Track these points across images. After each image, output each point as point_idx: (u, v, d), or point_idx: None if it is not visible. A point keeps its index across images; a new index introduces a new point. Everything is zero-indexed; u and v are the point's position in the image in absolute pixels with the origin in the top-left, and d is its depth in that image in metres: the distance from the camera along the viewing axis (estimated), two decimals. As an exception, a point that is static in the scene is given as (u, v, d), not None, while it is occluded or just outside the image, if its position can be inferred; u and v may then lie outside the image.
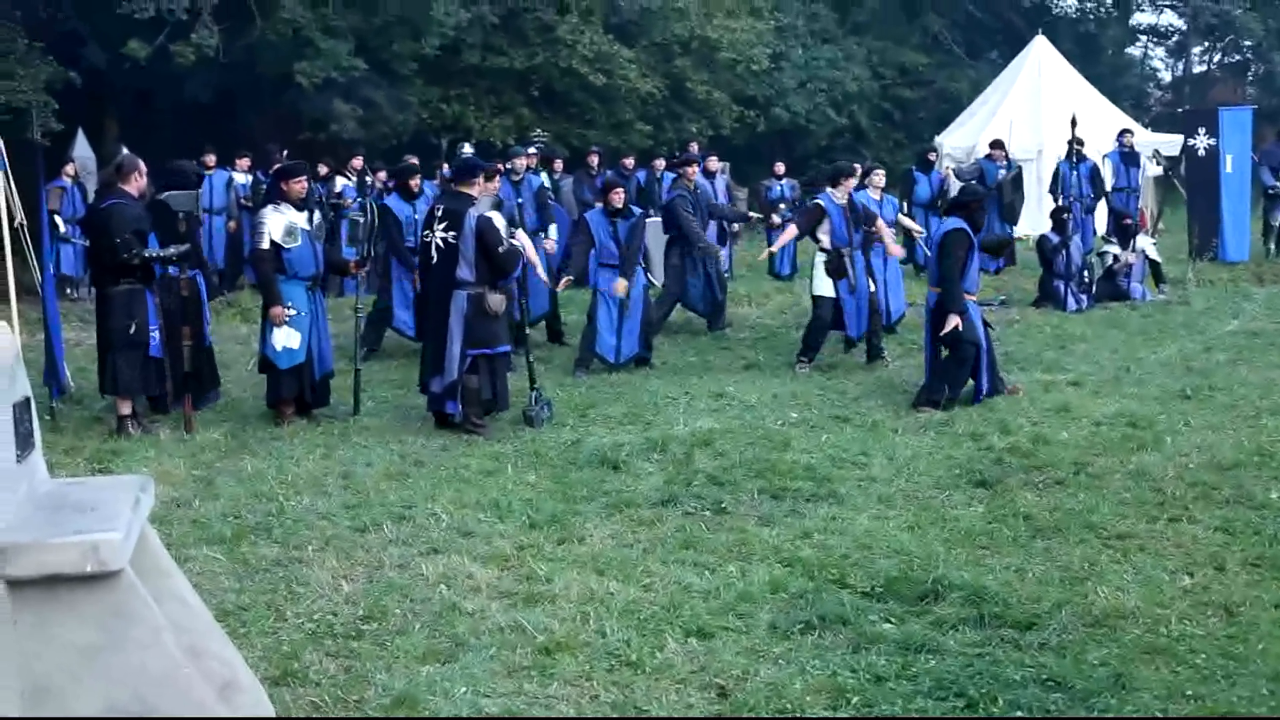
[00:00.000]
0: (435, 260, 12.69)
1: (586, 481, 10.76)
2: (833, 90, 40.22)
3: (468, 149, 23.75)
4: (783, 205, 25.14)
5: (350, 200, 21.72)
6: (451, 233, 12.54)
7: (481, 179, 13.02)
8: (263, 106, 31.18)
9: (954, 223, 13.97)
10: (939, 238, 14.05)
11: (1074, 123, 21.26)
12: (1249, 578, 8.24)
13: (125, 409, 12.86)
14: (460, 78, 32.46)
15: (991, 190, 23.08)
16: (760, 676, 6.75)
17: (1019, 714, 6.30)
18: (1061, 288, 20.63)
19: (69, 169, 23.83)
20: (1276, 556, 8.60)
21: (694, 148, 26.16)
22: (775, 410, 13.54)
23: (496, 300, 12.59)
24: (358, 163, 23.95)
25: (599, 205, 16.51)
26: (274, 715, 5.96)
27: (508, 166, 18.56)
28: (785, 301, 22.25)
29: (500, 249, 12.52)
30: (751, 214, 22.40)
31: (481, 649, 7.13)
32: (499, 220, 12.78)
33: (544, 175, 21.25)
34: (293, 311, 13.03)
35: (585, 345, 16.10)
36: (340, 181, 23.49)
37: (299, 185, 13.28)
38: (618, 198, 16.19)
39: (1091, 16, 47.68)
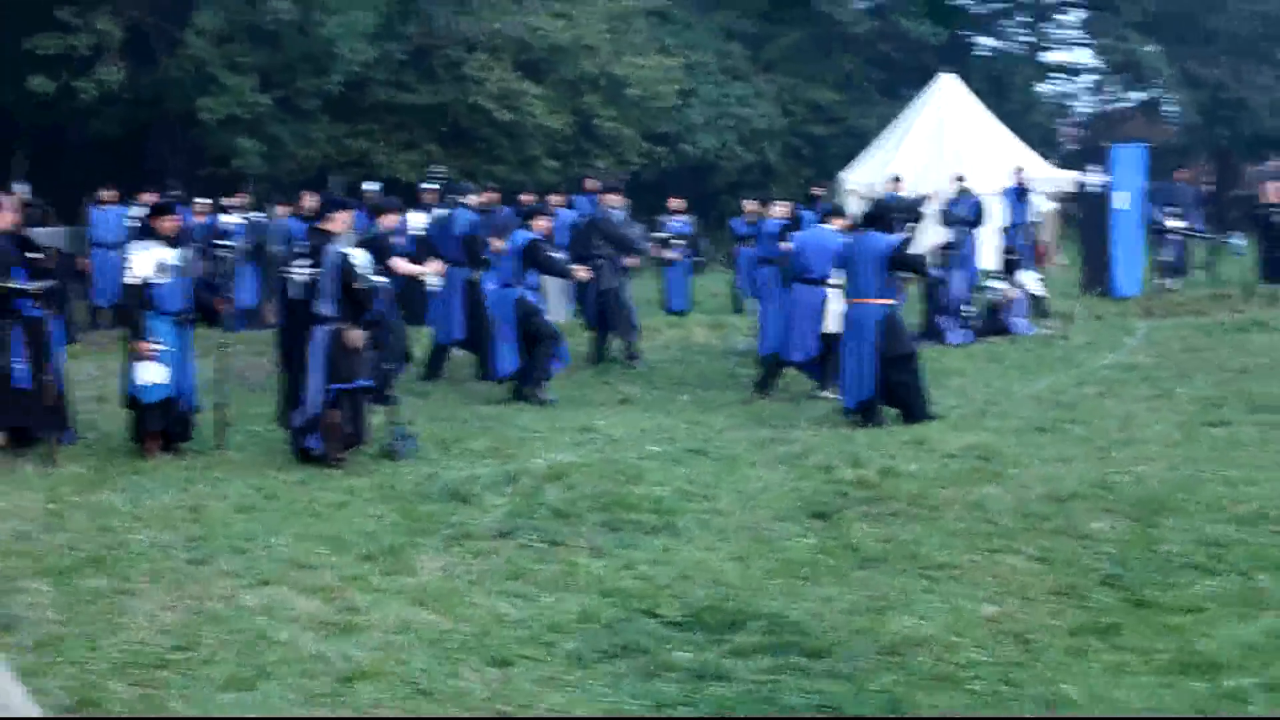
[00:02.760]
0: (295, 296, 12.82)
1: (432, 514, 10.89)
2: (741, 127, 40.58)
3: (375, 186, 23.97)
4: (677, 240, 25.30)
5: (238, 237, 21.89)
6: (312, 268, 12.67)
7: (344, 214, 13.16)
8: (171, 142, 31.24)
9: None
10: (891, 250, 14.64)
11: (950, 162, 21.58)
12: (1052, 607, 8.48)
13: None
14: (368, 114, 32.69)
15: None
16: (547, 704, 6.92)
17: (790, 739, 6.50)
18: (942, 322, 20.91)
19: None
20: (1084, 586, 8.86)
21: (590, 184, 26.33)
22: (637, 444, 13.70)
23: (356, 335, 12.74)
24: (243, 200, 24.05)
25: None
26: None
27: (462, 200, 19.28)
28: (675, 337, 22.45)
29: (359, 285, 12.67)
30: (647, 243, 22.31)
31: (283, 678, 7.27)
32: (360, 256, 12.93)
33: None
34: (160, 346, 13.11)
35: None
36: (225, 219, 23.55)
37: (171, 222, 13.40)
38: (541, 225, 17.12)
39: (1004, 55, 48.17)
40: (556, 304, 19.05)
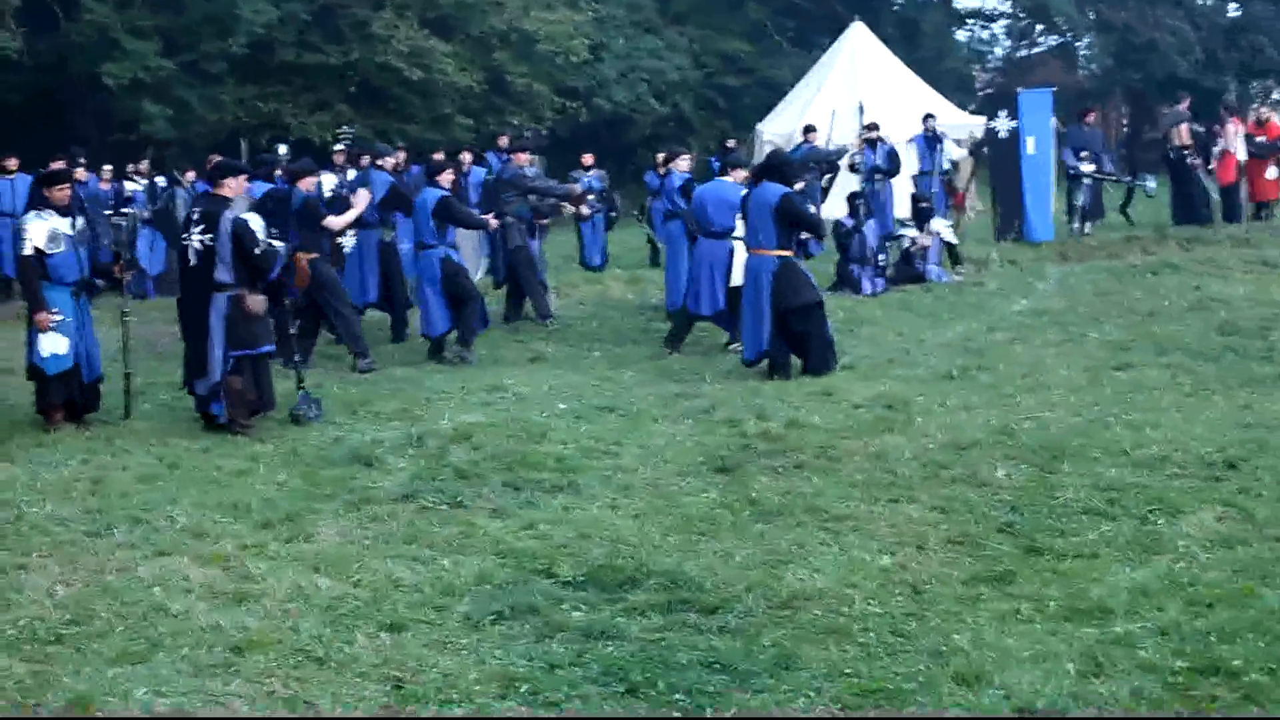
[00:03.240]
0: (193, 263, 12.72)
1: (335, 479, 10.85)
2: (655, 80, 40.54)
3: (283, 149, 23.77)
4: (590, 196, 25.24)
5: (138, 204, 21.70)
6: (208, 235, 12.58)
7: (236, 179, 13.06)
8: (78, 108, 30.91)
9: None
10: (786, 200, 14.64)
11: (861, 109, 21.52)
12: (946, 556, 8.54)
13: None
14: (275, 75, 32.42)
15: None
16: (439, 668, 6.93)
17: (678, 696, 6.52)
18: (856, 271, 20.97)
19: None
20: (979, 535, 8.92)
21: (502, 141, 26.25)
22: (545, 403, 13.68)
23: (257, 301, 12.67)
24: (144, 166, 23.82)
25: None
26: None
27: (378, 162, 19.41)
28: (591, 293, 22.43)
29: (256, 250, 12.59)
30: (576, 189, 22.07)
31: (175, 649, 7.24)
32: (255, 221, 12.85)
33: (351, 172, 21.15)
34: (58, 317, 12.99)
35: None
36: (129, 186, 23.34)
37: (61, 191, 13.24)
38: (445, 179, 17.11)
39: (914, 2, 48.25)
40: (471, 263, 18.92)
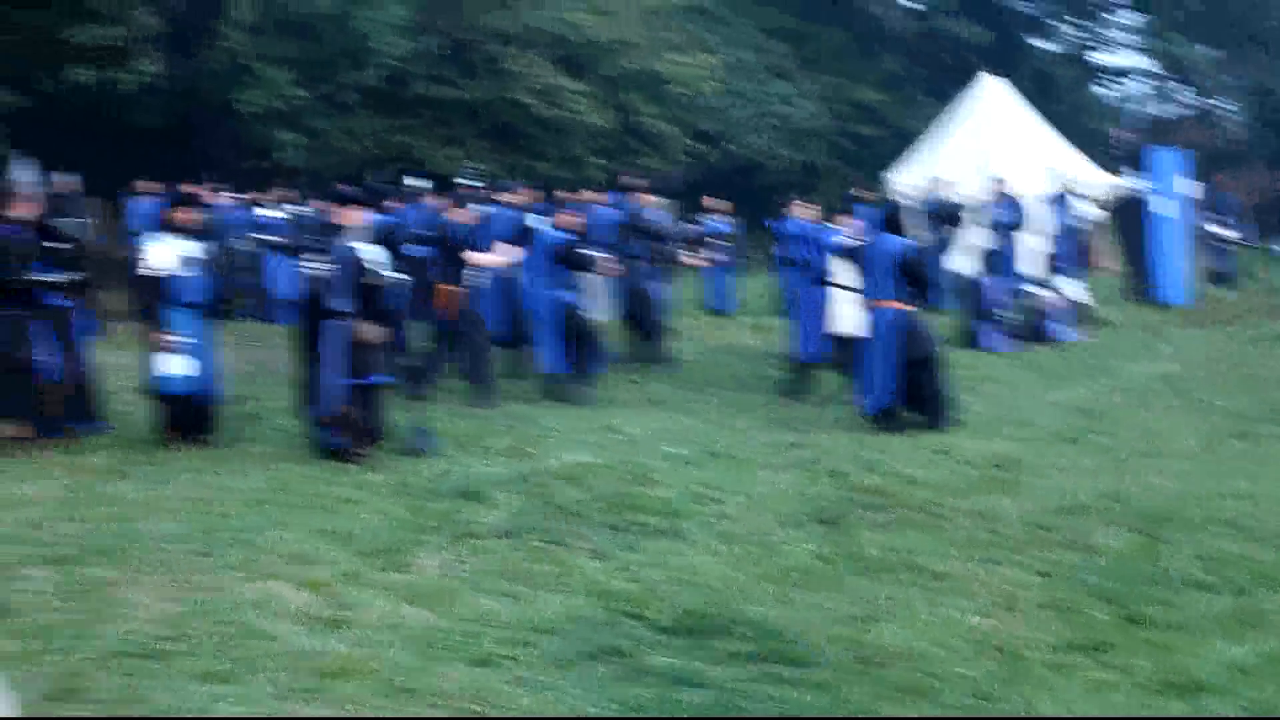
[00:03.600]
0: (310, 292, 12.90)
1: (440, 512, 10.94)
2: (786, 126, 40.56)
3: (421, 181, 24.00)
4: (719, 241, 25.33)
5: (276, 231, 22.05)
6: (325, 265, 12.75)
7: (354, 210, 13.23)
8: (212, 134, 31.45)
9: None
10: (907, 253, 14.64)
11: (993, 165, 21.39)
12: (1041, 620, 8.44)
13: (7, 431, 13.02)
14: (409, 108, 32.76)
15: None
16: (520, 705, 6.96)
17: (753, 746, 6.52)
18: (980, 327, 20.85)
19: None
20: (1075, 600, 8.81)
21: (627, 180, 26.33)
22: (655, 445, 13.69)
23: (371, 331, 12.81)
24: (282, 194, 24.16)
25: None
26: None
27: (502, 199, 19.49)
28: (715, 337, 22.52)
29: (373, 280, 12.75)
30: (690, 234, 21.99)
31: (263, 671, 7.34)
32: (372, 252, 13.01)
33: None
34: (180, 338, 13.22)
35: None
36: (264, 211, 23.69)
37: (188, 215, 13.51)
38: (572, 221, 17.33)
39: (1051, 56, 47.89)
40: (598, 302, 18.94)
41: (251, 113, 28.00)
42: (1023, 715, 6.83)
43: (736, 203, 32.00)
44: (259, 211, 23.84)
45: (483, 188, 20.79)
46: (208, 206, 24.16)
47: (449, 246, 16.23)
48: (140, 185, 24.02)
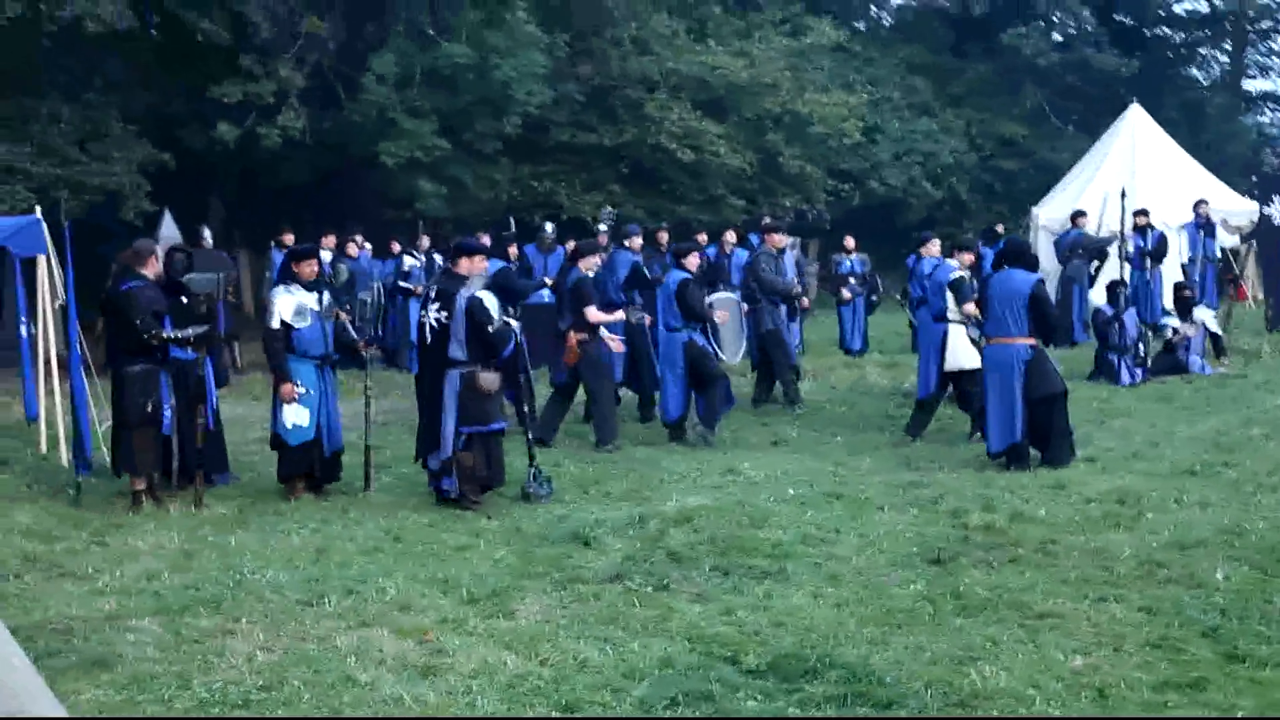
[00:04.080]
0: (430, 340, 13.05)
1: (550, 558, 11.00)
2: (929, 162, 40.41)
3: (549, 227, 24.27)
4: (852, 279, 25.30)
5: (416, 280, 22.38)
6: (444, 313, 12.91)
7: (472, 259, 13.36)
8: (355, 185, 31.96)
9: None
10: (1035, 289, 14.49)
11: (1124, 194, 21.08)
12: (1141, 659, 8.29)
13: (139, 485, 13.30)
14: (550, 155, 33.09)
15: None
16: (602, 750, 6.97)
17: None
18: (1115, 360, 20.58)
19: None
20: (1180, 638, 8.63)
21: (766, 220, 26.38)
22: (775, 487, 13.68)
23: (489, 379, 12.94)
24: (424, 242, 24.49)
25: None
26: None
27: (625, 243, 20.13)
28: (846, 377, 22.42)
29: (490, 328, 12.88)
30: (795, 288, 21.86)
31: (352, 718, 7.40)
32: (489, 300, 13.15)
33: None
34: (302, 390, 13.44)
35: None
36: (408, 261, 24.04)
37: (309, 267, 13.74)
38: (693, 262, 17.10)
39: (1199, 85, 47.21)
40: (732, 344, 18.91)
41: (396, 163, 28.38)
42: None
43: (879, 241, 32.05)
44: (407, 261, 24.20)
45: (603, 231, 20.96)
46: (351, 258, 24.64)
47: (574, 294, 16.36)
48: (285, 237, 24.43)
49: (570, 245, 19.00)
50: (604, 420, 16.44)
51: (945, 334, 16.26)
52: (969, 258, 16.99)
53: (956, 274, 16.28)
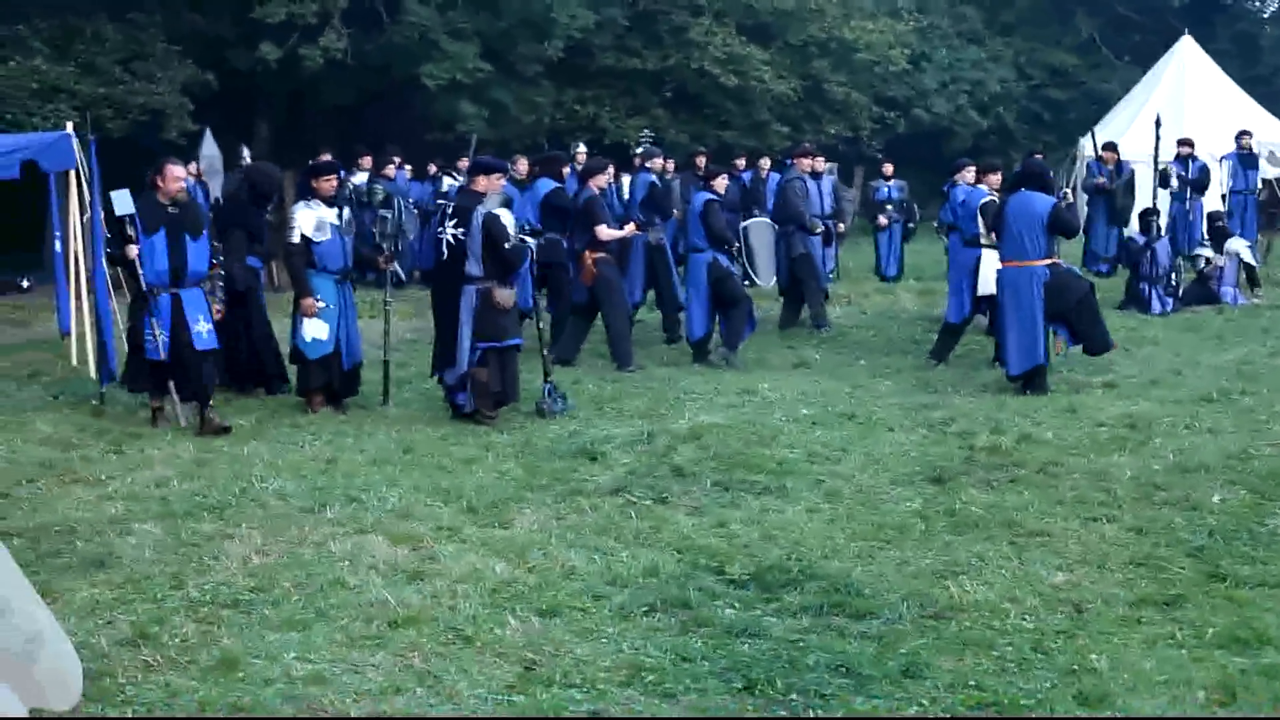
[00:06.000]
0: (445, 256, 13.15)
1: (555, 471, 11.13)
2: (977, 91, 40.17)
3: (581, 149, 24.32)
4: (889, 206, 25.26)
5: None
6: (460, 229, 12.99)
7: (489, 177, 13.42)
8: (397, 107, 32.00)
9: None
10: (1049, 211, 14.49)
11: (1158, 123, 20.93)
12: (1123, 577, 8.34)
13: (153, 403, 13.35)
14: (593, 79, 32.95)
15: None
16: (575, 653, 7.09)
17: (793, 696, 6.56)
18: (1147, 289, 20.51)
19: (192, 167, 24.58)
20: (1167, 557, 8.67)
21: (806, 147, 26.33)
22: (790, 407, 13.74)
23: (504, 295, 13.04)
24: (464, 164, 24.49)
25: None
26: (78, 669, 6.49)
27: (647, 164, 20.02)
28: (879, 303, 22.46)
29: (506, 245, 12.96)
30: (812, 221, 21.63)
31: (336, 620, 7.56)
32: (506, 217, 13.23)
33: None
34: (322, 304, 13.56)
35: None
36: (447, 181, 24.10)
37: (328, 183, 13.83)
38: (720, 184, 17.30)
39: (1252, 15, 46.64)
40: (765, 268, 18.87)
41: (438, 85, 28.37)
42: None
43: (924, 169, 31.86)
44: (446, 181, 24.26)
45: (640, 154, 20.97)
46: (387, 178, 24.73)
47: (584, 213, 16.42)
48: (323, 159, 24.44)
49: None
50: (619, 343, 16.53)
51: (979, 259, 16.23)
52: (997, 179, 16.94)
53: (987, 199, 16.25)
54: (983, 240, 16.18)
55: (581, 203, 16.65)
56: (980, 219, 16.15)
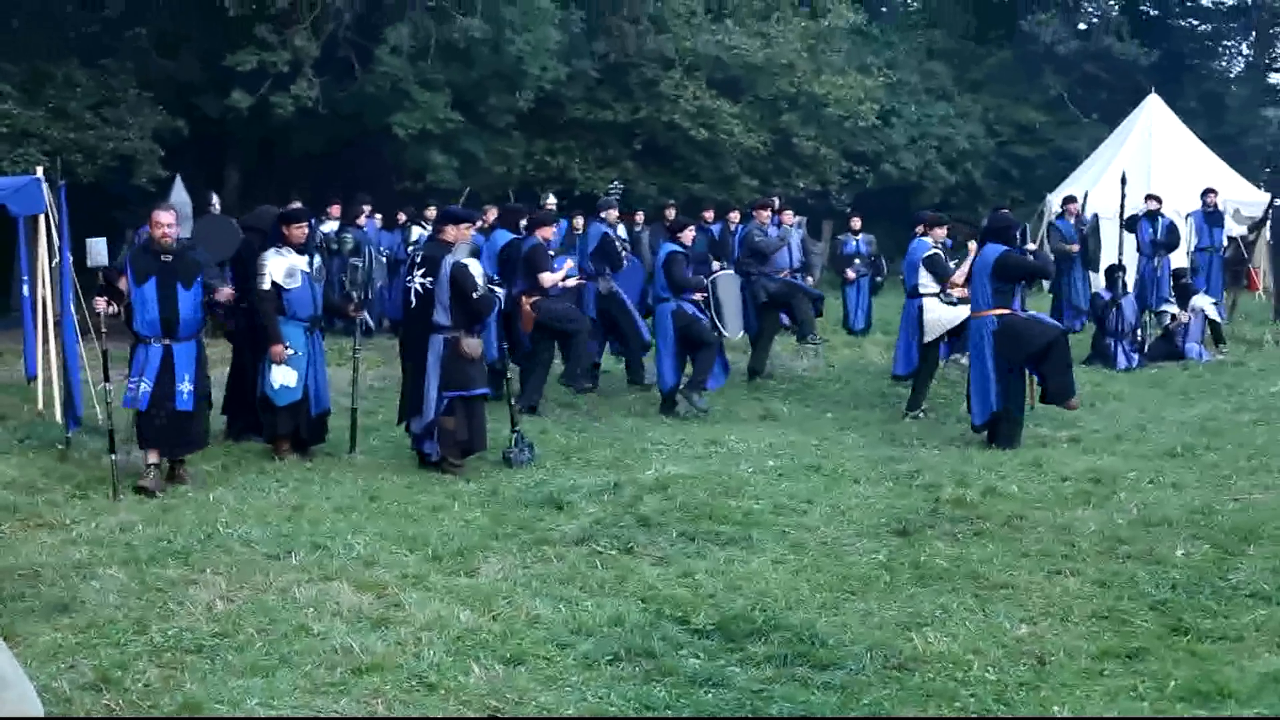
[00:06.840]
0: (414, 305, 13.18)
1: (521, 520, 11.13)
2: (945, 147, 40.42)
3: (551, 200, 24.40)
4: (857, 260, 25.40)
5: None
6: (429, 278, 13.03)
7: (457, 226, 13.48)
8: (367, 156, 32.10)
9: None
10: (1002, 258, 14.59)
11: (1124, 180, 21.05)
12: (1086, 629, 8.39)
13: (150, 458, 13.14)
14: (564, 131, 33.12)
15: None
16: (538, 702, 7.10)
17: (754, 744, 6.59)
18: (1113, 345, 20.62)
19: (161, 215, 24.61)
20: (1130, 611, 8.72)
21: (776, 200, 26.41)
22: (756, 459, 13.76)
23: (472, 344, 13.07)
24: (432, 212, 24.58)
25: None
26: (40, 713, 6.43)
27: (602, 215, 20.05)
28: (846, 356, 22.53)
29: (475, 294, 13.00)
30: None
31: (300, 667, 7.55)
32: (475, 267, 13.28)
33: (621, 226, 21.27)
34: (291, 351, 13.55)
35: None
36: (416, 230, 24.18)
37: (300, 230, 13.83)
38: (687, 236, 17.40)
39: (1219, 76, 47.08)
40: (734, 320, 18.90)
41: (409, 135, 28.50)
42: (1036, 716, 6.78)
43: (892, 224, 32.02)
44: (415, 231, 24.36)
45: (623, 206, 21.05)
46: (357, 227, 24.75)
47: (528, 261, 16.50)
48: (293, 206, 24.47)
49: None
50: (578, 360, 16.82)
51: (920, 308, 16.46)
52: (942, 232, 17.24)
53: (931, 251, 16.54)
54: (922, 290, 16.45)
55: (525, 250, 16.67)
56: (925, 270, 16.46)
